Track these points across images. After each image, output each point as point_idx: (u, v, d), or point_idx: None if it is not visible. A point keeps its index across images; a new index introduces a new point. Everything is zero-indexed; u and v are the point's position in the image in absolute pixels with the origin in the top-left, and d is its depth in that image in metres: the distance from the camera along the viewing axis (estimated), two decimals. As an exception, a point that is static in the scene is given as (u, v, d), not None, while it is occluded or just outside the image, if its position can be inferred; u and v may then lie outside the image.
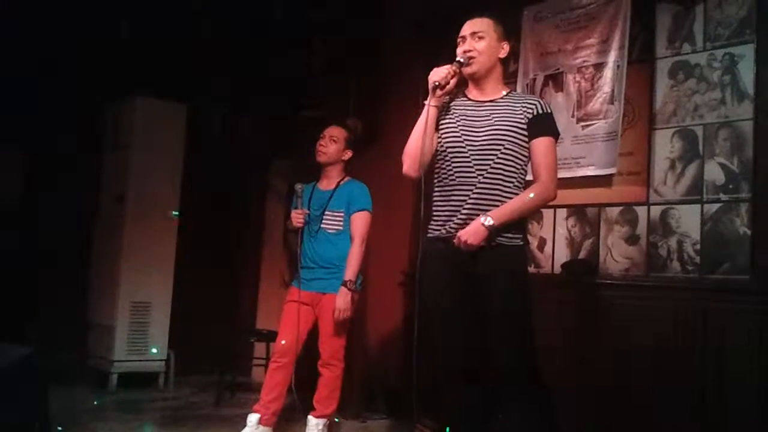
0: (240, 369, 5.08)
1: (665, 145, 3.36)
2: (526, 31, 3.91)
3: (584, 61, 3.65)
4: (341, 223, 3.57)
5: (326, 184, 3.67)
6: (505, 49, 2.67)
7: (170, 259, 5.07)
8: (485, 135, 2.57)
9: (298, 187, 3.65)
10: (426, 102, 2.61)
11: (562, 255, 3.69)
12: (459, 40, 2.66)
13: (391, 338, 4.42)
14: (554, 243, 3.73)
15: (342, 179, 3.67)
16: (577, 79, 3.68)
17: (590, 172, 3.56)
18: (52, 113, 5.01)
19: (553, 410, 2.59)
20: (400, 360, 4.27)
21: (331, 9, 4.83)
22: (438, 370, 2.60)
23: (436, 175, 2.68)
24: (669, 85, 3.38)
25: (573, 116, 3.67)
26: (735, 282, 3.06)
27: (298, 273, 3.59)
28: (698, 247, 3.20)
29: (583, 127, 3.62)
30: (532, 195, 2.55)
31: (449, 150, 2.61)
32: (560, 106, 3.65)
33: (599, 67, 3.58)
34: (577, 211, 3.66)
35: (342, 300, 3.40)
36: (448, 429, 2.63)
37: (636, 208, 3.43)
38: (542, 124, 2.59)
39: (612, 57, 3.53)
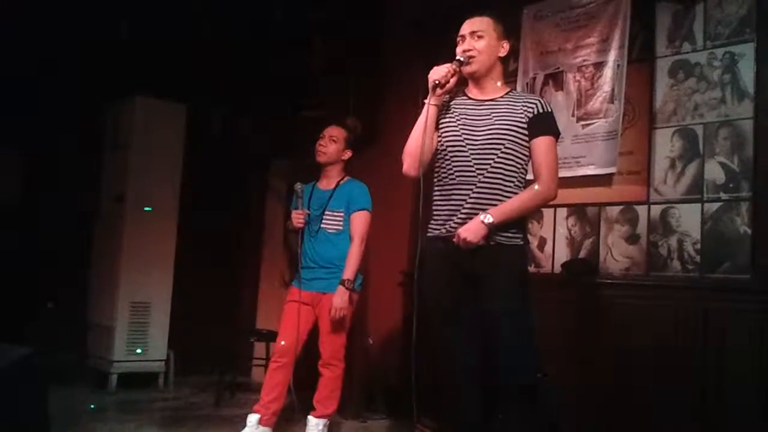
0: (240, 369, 5.08)
1: (665, 144, 3.36)
2: (526, 29, 3.91)
3: (584, 60, 3.65)
4: (341, 223, 3.56)
5: (326, 184, 3.67)
6: (504, 48, 2.67)
7: (170, 259, 5.06)
8: (485, 134, 2.56)
9: (298, 187, 3.64)
10: (426, 101, 2.60)
11: (563, 254, 3.68)
12: (458, 39, 2.65)
13: (391, 338, 4.42)
14: (554, 242, 3.73)
15: (342, 179, 3.66)
16: (577, 78, 3.67)
17: (590, 171, 3.56)
18: (52, 113, 5.01)
19: (554, 410, 2.58)
20: (400, 360, 4.26)
21: (331, 9, 4.83)
22: (438, 369, 2.60)
23: (435, 175, 2.68)
24: (669, 84, 3.38)
25: (573, 115, 3.66)
26: (735, 281, 3.05)
27: (298, 273, 3.58)
28: (698, 246, 3.19)
29: (583, 126, 3.62)
30: (532, 194, 2.55)
31: (449, 149, 2.60)
32: (560, 105, 3.65)
33: (599, 66, 3.58)
34: (577, 210, 3.65)
35: (339, 299, 3.40)
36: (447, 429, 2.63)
37: (636, 207, 3.43)
38: (543, 124, 2.59)
39: (612, 56, 3.52)
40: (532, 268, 3.59)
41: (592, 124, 3.58)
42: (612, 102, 3.50)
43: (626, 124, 3.48)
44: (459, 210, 2.54)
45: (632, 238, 3.42)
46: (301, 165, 4.39)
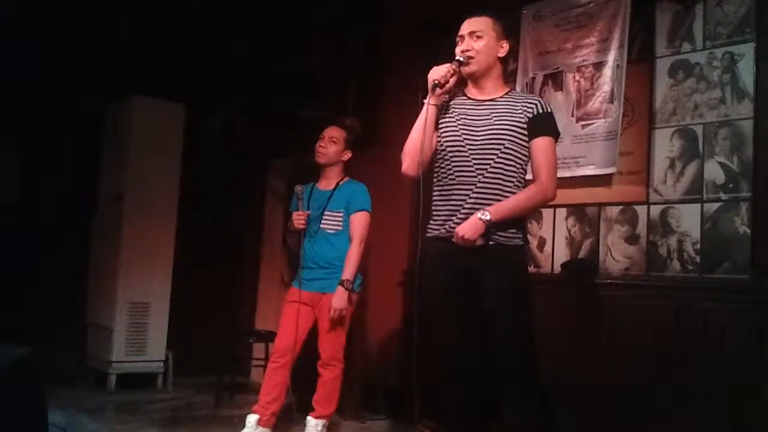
0: (239, 370, 5.07)
1: (665, 145, 3.36)
2: (525, 29, 3.90)
3: (584, 60, 3.65)
4: (340, 223, 3.56)
5: (325, 184, 3.67)
6: (504, 48, 2.66)
7: (169, 259, 5.06)
8: (485, 134, 2.56)
9: (299, 188, 3.65)
10: (425, 101, 2.60)
11: (562, 254, 3.68)
12: (458, 39, 2.65)
13: (391, 338, 4.42)
14: (554, 242, 3.73)
15: (341, 179, 3.66)
16: (577, 78, 3.67)
17: (590, 171, 3.55)
18: (51, 113, 5.01)
19: (553, 409, 2.58)
20: (400, 360, 4.26)
21: (331, 9, 4.83)
22: (437, 369, 2.60)
23: (435, 175, 2.67)
24: (669, 84, 3.37)
25: (572, 115, 3.66)
26: (735, 281, 3.05)
27: (298, 273, 3.58)
28: (698, 246, 3.19)
29: (583, 126, 3.61)
30: (531, 194, 2.55)
31: (449, 149, 2.60)
32: (560, 105, 3.64)
33: (599, 66, 3.58)
34: (576, 210, 3.65)
35: (339, 299, 3.40)
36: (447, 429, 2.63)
37: (636, 207, 3.42)
38: (542, 124, 2.59)
39: (612, 56, 3.52)
40: (531, 268, 3.58)
41: (592, 124, 3.58)
42: (611, 102, 3.50)
43: (626, 124, 3.47)
44: (459, 210, 2.54)
45: (632, 239, 3.42)
46: (301, 165, 4.39)
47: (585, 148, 3.58)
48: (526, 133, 2.57)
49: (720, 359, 2.98)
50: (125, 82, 5.01)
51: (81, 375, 5.02)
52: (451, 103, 2.68)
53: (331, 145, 3.63)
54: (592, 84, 3.60)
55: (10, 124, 4.92)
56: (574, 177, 3.57)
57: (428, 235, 2.65)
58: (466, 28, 2.64)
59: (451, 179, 2.59)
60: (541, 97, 3.04)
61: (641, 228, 3.39)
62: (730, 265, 3.08)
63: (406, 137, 2.65)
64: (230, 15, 5.29)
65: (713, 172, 3.18)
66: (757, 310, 2.92)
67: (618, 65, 3.49)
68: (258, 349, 4.99)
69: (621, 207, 3.48)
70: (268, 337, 4.32)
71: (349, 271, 3.44)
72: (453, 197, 2.57)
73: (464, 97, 2.69)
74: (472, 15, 2.66)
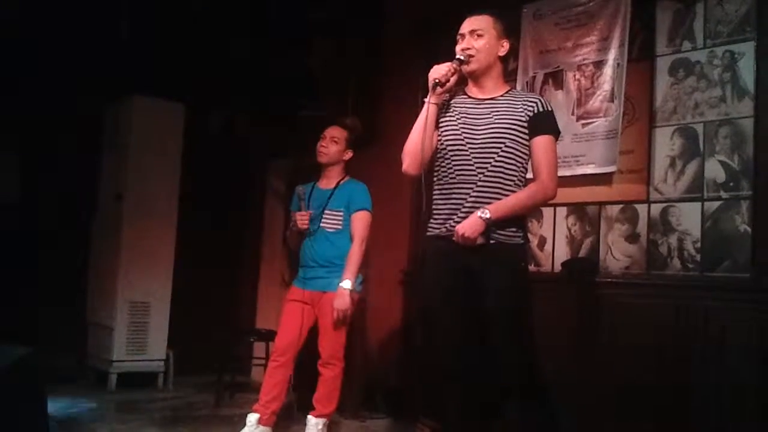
0: (239, 369, 5.07)
1: (665, 143, 3.36)
2: (525, 28, 3.90)
3: (584, 59, 3.65)
4: (341, 223, 3.56)
5: (326, 184, 3.67)
6: (504, 47, 2.66)
7: (169, 258, 5.06)
8: (486, 133, 2.56)
9: (300, 189, 3.65)
10: (426, 100, 2.60)
11: (563, 253, 3.68)
12: (458, 37, 2.65)
13: (391, 337, 4.42)
14: (554, 241, 3.73)
15: (342, 179, 3.66)
16: (577, 77, 3.67)
17: (590, 170, 3.56)
18: (51, 113, 5.01)
19: (554, 408, 2.58)
20: (400, 360, 4.26)
21: (331, 9, 4.83)
22: (437, 368, 2.60)
23: (435, 174, 2.67)
24: (669, 83, 3.37)
25: (573, 114, 3.66)
26: (735, 280, 3.05)
27: (298, 272, 3.58)
28: (699, 245, 3.19)
29: (583, 125, 3.62)
30: (531, 192, 2.55)
31: (449, 148, 2.60)
32: (560, 104, 3.64)
33: (599, 64, 3.58)
34: (577, 209, 3.65)
35: (341, 300, 3.39)
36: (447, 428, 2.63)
37: (636, 206, 3.42)
38: (543, 123, 2.59)
39: (612, 55, 3.52)
40: (532, 267, 3.58)
41: (592, 122, 3.58)
42: (612, 101, 3.50)
43: (626, 123, 3.47)
44: (459, 209, 2.54)
45: (632, 237, 3.42)
46: (301, 165, 4.39)
47: (585, 146, 3.58)
48: (526, 131, 2.57)
49: (720, 358, 2.98)
50: (125, 82, 5.00)
51: (81, 374, 5.02)
52: (451, 101, 2.68)
53: (333, 144, 3.63)
54: (593, 83, 3.60)
55: (10, 124, 4.91)
56: (575, 175, 3.57)
57: (429, 233, 2.64)
58: (466, 26, 2.63)
59: (451, 178, 2.58)
60: (542, 96, 3.04)
61: (642, 227, 3.39)
62: (731, 263, 3.08)
63: (407, 137, 2.65)
64: (230, 15, 5.29)
65: (714, 170, 3.18)
66: (758, 309, 2.92)
67: (618, 64, 3.49)
68: (258, 348, 4.99)
69: (621, 205, 3.48)
70: (269, 336, 4.32)
71: (350, 272, 3.44)
72: (453, 196, 2.57)
73: (465, 96, 2.69)
74: (472, 13, 2.65)
